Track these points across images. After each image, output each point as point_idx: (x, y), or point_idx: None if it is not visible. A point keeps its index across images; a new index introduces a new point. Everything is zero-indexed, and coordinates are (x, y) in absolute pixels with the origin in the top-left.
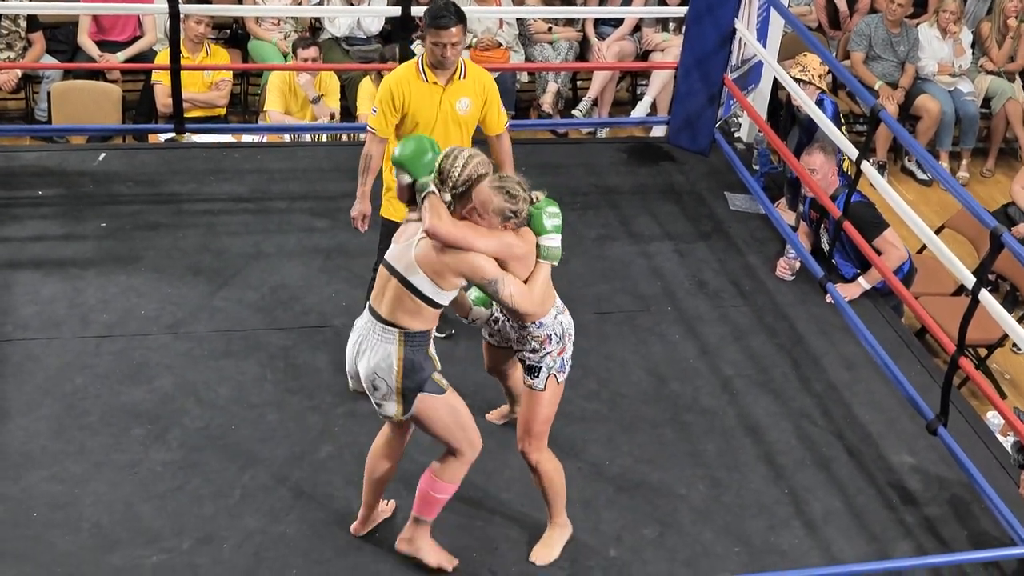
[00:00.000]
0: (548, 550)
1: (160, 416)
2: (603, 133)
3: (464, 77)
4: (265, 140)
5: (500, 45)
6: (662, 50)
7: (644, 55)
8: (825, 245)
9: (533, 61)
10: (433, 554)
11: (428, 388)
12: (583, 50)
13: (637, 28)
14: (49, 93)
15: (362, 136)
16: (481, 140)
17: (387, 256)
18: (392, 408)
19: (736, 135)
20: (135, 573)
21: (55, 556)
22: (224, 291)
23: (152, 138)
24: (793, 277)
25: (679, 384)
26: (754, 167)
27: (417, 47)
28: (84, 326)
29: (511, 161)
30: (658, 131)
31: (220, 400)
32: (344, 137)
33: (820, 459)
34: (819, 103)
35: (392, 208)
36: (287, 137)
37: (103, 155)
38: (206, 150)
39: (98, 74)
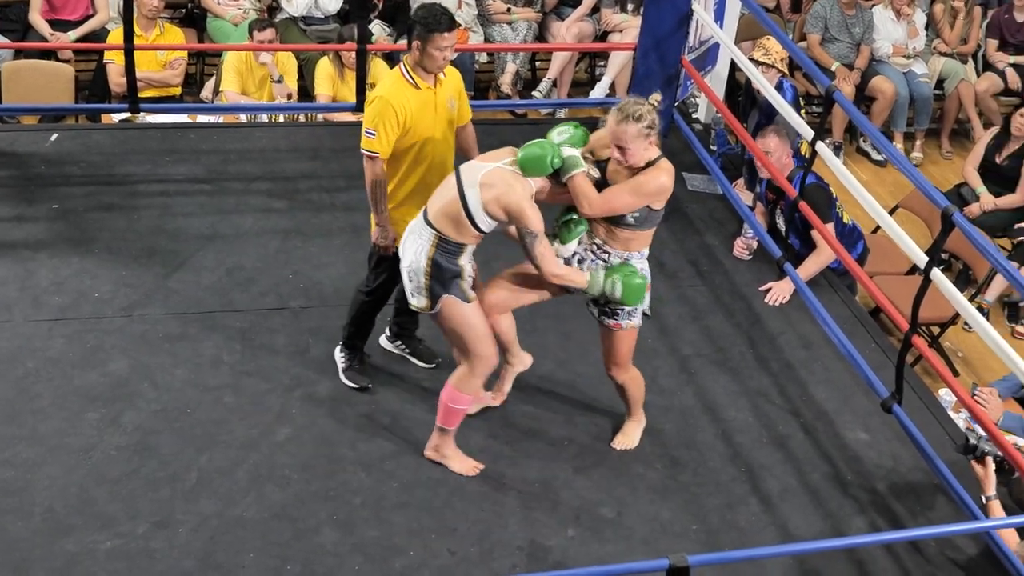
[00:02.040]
0: (627, 438)
1: (114, 399)
2: (562, 113)
3: (444, 75)
4: (221, 120)
5: (459, 26)
6: (620, 31)
7: (603, 36)
8: (781, 226)
9: (492, 42)
10: (458, 461)
11: (453, 292)
12: (542, 31)
13: (596, 9)
14: (0, 73)
15: (320, 116)
16: None
17: (461, 166)
18: (420, 301)
19: (694, 116)
20: (89, 558)
21: (8, 542)
22: (180, 273)
23: (106, 118)
24: (751, 257)
25: (637, 363)
26: (712, 148)
27: (376, 26)
28: (36, 309)
29: (476, 146)
30: None
31: (176, 383)
32: (302, 117)
33: (776, 437)
34: (779, 87)
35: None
36: (243, 117)
37: (55, 135)
38: (161, 130)
39: (50, 53)
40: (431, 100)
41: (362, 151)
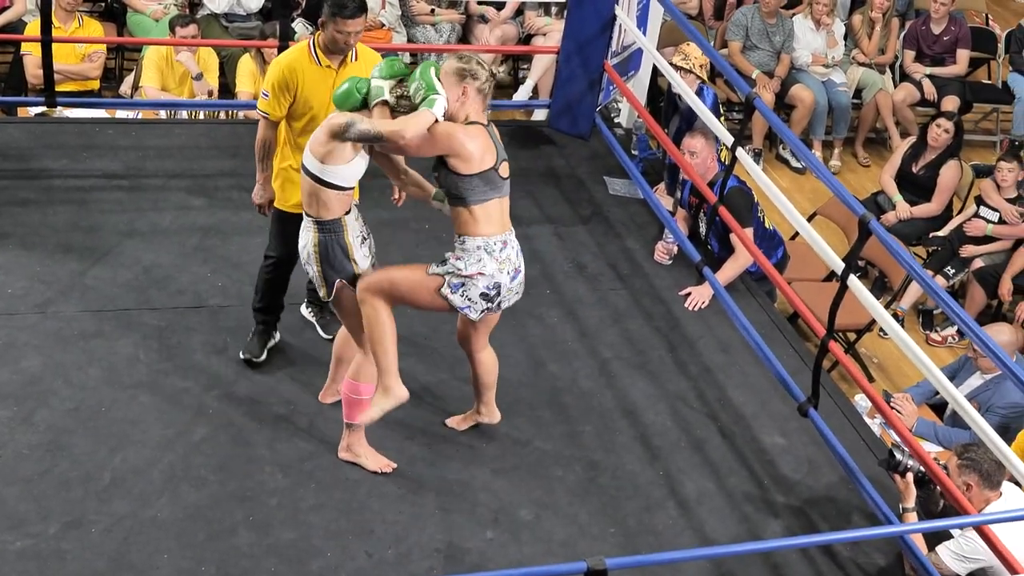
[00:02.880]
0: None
1: (26, 397)
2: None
3: (356, 59)
4: (140, 116)
5: (383, 26)
6: (544, 34)
7: (526, 39)
8: (702, 230)
9: (415, 42)
10: (372, 459)
11: (347, 271)
12: (465, 33)
13: (520, 11)
14: None
15: (241, 114)
16: None
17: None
18: (322, 291)
19: (616, 120)
20: None
21: None
22: (96, 269)
23: (22, 111)
24: (671, 261)
25: (557, 366)
26: (633, 152)
27: (299, 24)
28: None
29: None
30: (539, 115)
31: (91, 381)
32: (222, 114)
33: (694, 441)
34: (699, 92)
35: (284, 197)
36: (163, 113)
37: None
38: (78, 125)
39: None
40: (329, 78)
41: (257, 111)
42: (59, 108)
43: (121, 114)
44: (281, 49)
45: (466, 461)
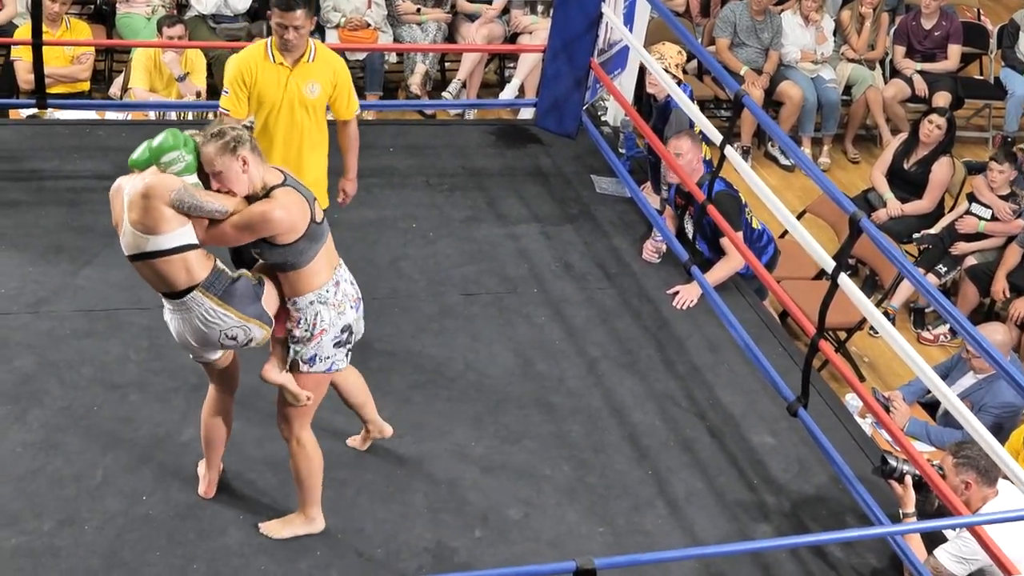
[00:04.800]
0: (276, 526)
1: (20, 396)
2: (471, 115)
3: (313, 60)
4: (130, 118)
5: (369, 25)
6: (530, 32)
7: (512, 37)
8: (689, 230)
9: (402, 42)
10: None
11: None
12: (452, 32)
13: (506, 11)
14: None
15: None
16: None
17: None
18: (259, 333)
19: (603, 118)
20: None
21: None
22: (87, 270)
23: (13, 114)
24: (659, 260)
25: (545, 366)
26: (620, 151)
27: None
28: None
29: (356, 148)
30: (526, 113)
31: (82, 380)
32: (211, 115)
33: (683, 440)
34: None
35: None
36: (152, 115)
37: None
38: (69, 127)
39: None
40: (283, 76)
41: (220, 108)
42: (50, 110)
43: (111, 115)
44: None
45: (455, 460)
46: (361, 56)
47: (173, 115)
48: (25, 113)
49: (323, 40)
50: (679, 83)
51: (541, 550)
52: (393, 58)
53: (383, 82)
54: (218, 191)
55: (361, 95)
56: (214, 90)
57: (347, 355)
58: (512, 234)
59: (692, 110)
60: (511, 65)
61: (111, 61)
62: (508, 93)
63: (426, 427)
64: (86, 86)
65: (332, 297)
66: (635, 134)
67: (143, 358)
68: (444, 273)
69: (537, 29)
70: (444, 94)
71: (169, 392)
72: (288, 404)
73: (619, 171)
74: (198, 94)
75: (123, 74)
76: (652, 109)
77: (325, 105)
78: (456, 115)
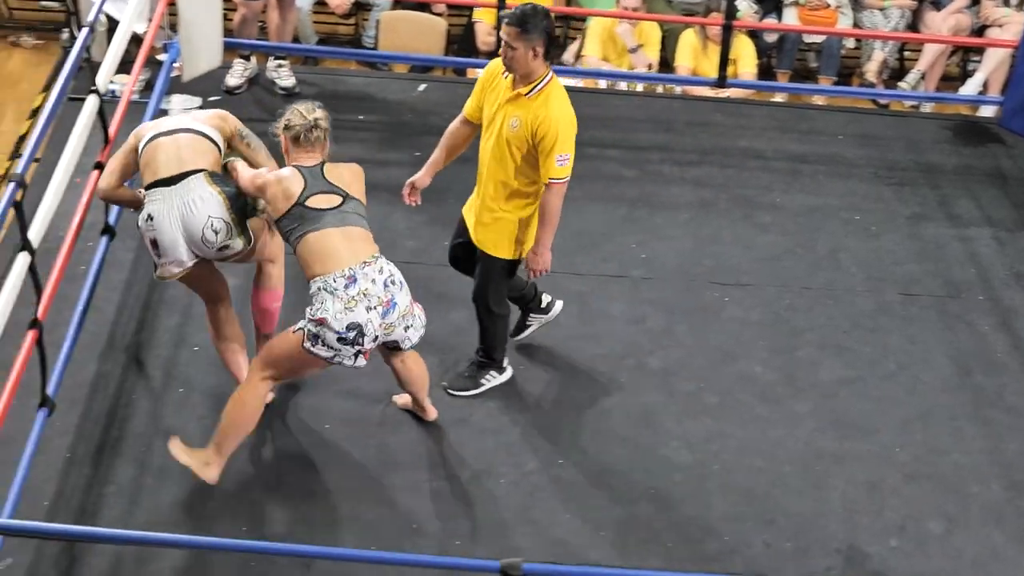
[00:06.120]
0: (186, 453)
1: (452, 347)
2: (928, 108)
3: (532, 96)
4: (580, 85)
5: (828, 6)
6: (1000, 26)
7: (980, 30)
8: None
9: (861, 27)
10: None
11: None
12: (915, 20)
13: (976, 1)
14: (378, 21)
15: (678, 89)
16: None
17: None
18: (240, 243)
19: None
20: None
21: None
22: None
23: (471, 73)
24: None
25: (984, 377)
26: None
27: (743, 2)
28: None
29: (548, 222)
30: (988, 111)
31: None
32: (660, 88)
33: None
34: None
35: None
36: (603, 83)
37: (424, 86)
38: None
39: (425, 6)
40: (501, 97)
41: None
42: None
43: (563, 81)
44: (725, 27)
45: (878, 461)
46: (819, 39)
47: (623, 85)
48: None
49: (779, 19)
50: None
51: (961, 570)
52: (851, 43)
53: (838, 67)
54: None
55: (814, 78)
56: (665, 63)
57: (357, 355)
58: (962, 236)
59: None
60: (975, 59)
61: (567, 28)
62: (970, 88)
63: (849, 424)
64: None
65: (341, 290)
66: None
67: (572, 323)
68: (885, 269)
69: (1009, 23)
70: (901, 84)
71: (594, 359)
72: (271, 350)
73: None
74: (649, 66)
75: (577, 41)
76: None
77: (522, 148)
78: (911, 107)
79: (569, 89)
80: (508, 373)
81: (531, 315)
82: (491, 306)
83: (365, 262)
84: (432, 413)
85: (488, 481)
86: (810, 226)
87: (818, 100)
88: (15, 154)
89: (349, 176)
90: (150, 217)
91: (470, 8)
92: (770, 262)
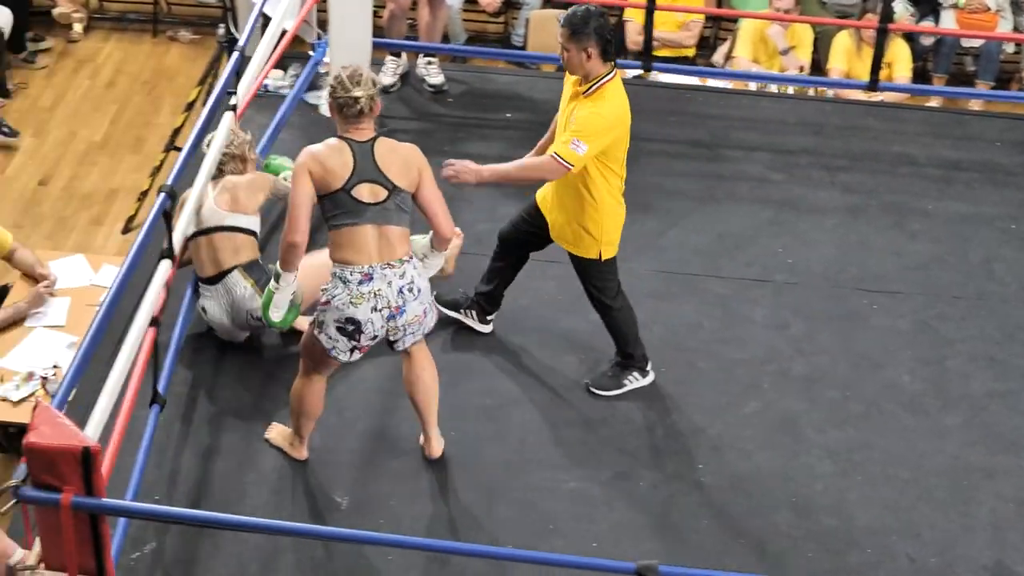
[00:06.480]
0: (279, 435)
1: (587, 346)
2: None
3: (590, 94)
4: (730, 86)
5: (988, 9)
6: None
7: None
8: None
9: (1022, 31)
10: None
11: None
12: None
13: None
14: (528, 20)
15: (830, 92)
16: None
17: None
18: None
19: None
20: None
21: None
22: (672, 232)
23: (619, 72)
24: None
25: None
26: None
27: (899, 4)
28: None
29: (513, 170)
30: None
31: (653, 340)
32: (811, 91)
33: None
34: None
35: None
36: (752, 85)
37: None
38: (669, 90)
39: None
40: (568, 93)
41: None
42: (654, 72)
43: (712, 83)
44: (880, 30)
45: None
46: (977, 43)
47: (774, 88)
48: (631, 73)
49: (936, 22)
50: None
51: None
52: (1011, 47)
53: (997, 72)
54: None
55: (971, 83)
56: (817, 65)
57: (352, 351)
58: None
59: None
60: None
61: (718, 29)
62: None
63: (1000, 438)
64: (691, 52)
65: (354, 284)
66: None
67: (714, 326)
68: None
69: None
70: None
71: (734, 364)
72: (303, 338)
73: None
74: (800, 68)
75: (728, 42)
76: None
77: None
78: None
79: (718, 90)
80: (651, 377)
81: (470, 311)
82: (605, 301)
83: (389, 264)
84: (437, 450)
85: (627, 483)
86: (963, 234)
87: (974, 105)
88: (170, 146)
89: (400, 165)
90: (204, 310)
91: (620, 8)
92: (920, 270)
